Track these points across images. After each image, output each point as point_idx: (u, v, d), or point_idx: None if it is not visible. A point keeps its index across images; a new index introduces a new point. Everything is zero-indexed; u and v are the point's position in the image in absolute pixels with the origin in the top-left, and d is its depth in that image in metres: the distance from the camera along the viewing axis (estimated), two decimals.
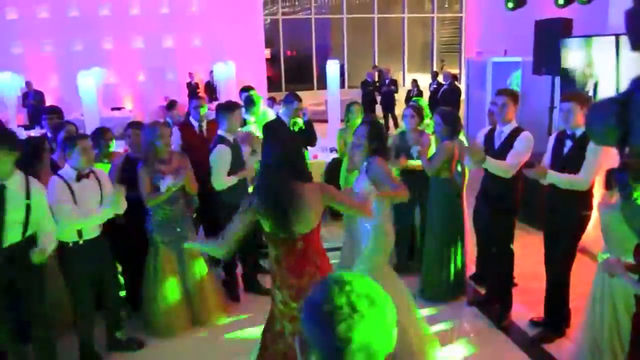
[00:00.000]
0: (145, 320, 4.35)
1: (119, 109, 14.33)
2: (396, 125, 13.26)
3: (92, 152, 3.80)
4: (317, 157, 7.23)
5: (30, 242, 3.33)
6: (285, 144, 2.89)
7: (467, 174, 4.95)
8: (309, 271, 2.81)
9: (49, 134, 5.06)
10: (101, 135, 4.56)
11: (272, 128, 5.32)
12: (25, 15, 14.10)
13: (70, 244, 3.67)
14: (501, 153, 4.11)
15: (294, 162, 2.83)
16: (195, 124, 5.19)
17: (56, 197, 3.53)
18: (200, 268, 4.40)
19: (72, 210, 3.55)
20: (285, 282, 2.84)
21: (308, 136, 5.98)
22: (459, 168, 4.74)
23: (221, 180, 4.50)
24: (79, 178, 3.64)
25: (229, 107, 4.69)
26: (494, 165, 4.05)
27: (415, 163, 4.90)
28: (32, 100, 12.62)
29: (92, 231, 3.74)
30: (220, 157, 4.49)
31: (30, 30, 13.99)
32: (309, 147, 6.26)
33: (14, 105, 13.57)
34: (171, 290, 4.25)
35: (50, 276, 4.12)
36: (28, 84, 13.15)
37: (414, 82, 13.77)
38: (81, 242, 3.68)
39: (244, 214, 2.82)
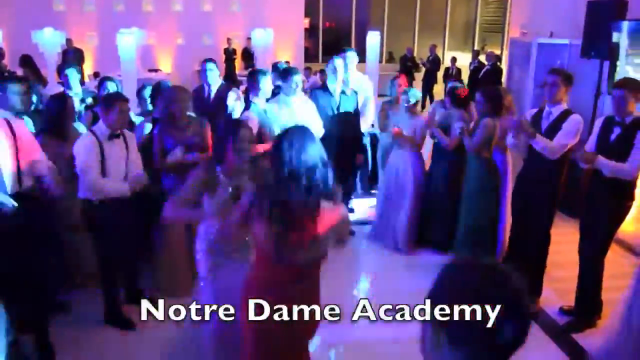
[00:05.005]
0: (153, 280, 4.36)
1: (155, 70, 14.41)
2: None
3: (128, 115, 3.81)
4: None
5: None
6: None
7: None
8: None
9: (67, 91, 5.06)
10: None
11: None
12: None
13: (97, 203, 3.66)
14: (548, 135, 3.92)
15: None
16: (206, 88, 5.23)
17: (85, 158, 3.55)
18: None
19: (97, 177, 3.57)
20: None
21: None
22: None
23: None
24: (111, 137, 3.65)
25: (260, 72, 4.78)
26: (542, 143, 3.88)
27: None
28: (72, 58, 12.75)
29: None
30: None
31: None
32: None
33: (54, 61, 13.75)
34: (174, 255, 4.24)
35: (76, 229, 4.12)
36: (68, 41, 13.29)
37: (453, 59, 13.46)
38: (106, 201, 3.65)
39: None
